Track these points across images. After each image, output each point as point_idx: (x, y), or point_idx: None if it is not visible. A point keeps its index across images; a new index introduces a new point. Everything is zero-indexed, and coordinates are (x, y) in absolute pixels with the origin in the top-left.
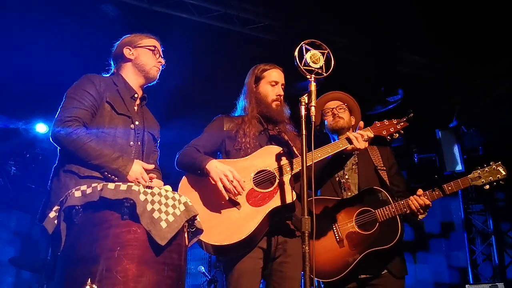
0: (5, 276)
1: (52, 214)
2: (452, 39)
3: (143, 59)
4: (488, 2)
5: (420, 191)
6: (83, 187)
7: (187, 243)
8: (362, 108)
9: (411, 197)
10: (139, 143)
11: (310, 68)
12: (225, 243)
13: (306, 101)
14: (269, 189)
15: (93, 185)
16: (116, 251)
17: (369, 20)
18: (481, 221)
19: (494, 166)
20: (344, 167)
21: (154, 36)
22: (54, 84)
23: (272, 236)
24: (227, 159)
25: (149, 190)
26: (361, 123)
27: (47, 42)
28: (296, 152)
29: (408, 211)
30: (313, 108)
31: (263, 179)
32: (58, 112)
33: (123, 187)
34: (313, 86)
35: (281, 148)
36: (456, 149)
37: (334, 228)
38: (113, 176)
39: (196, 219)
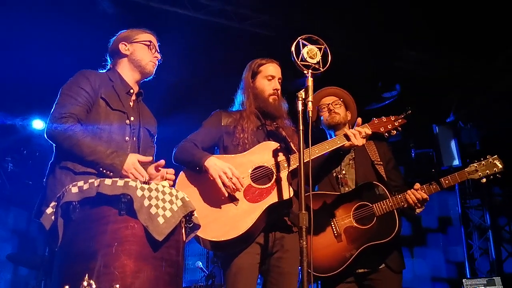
0: (2, 273)
1: (49, 210)
2: (450, 34)
3: (138, 55)
4: None
5: (417, 185)
6: (80, 183)
7: (184, 238)
8: (359, 104)
9: (409, 191)
10: (134, 138)
11: (307, 63)
12: (222, 239)
13: (303, 96)
14: (267, 185)
15: (90, 181)
16: (113, 247)
17: (367, 16)
18: (478, 216)
19: (490, 160)
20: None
21: (150, 31)
22: (51, 81)
23: (270, 231)
24: (224, 155)
25: (146, 186)
26: (359, 120)
27: (44, 38)
28: (294, 148)
29: (405, 205)
30: (310, 104)
31: (261, 175)
32: (53, 109)
33: (120, 182)
34: (310, 81)
35: (279, 144)
36: (453, 144)
37: (332, 223)
38: (108, 172)
39: (193, 215)
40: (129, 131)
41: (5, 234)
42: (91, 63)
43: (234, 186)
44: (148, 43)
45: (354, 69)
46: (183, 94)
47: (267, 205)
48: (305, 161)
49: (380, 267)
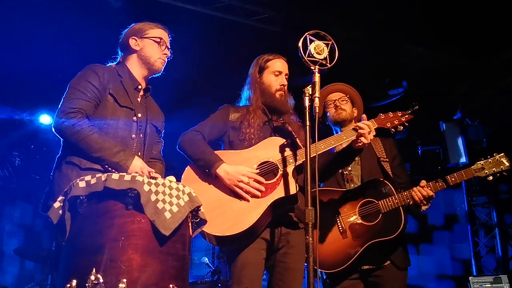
0: (9, 267)
1: (57, 204)
2: (457, 30)
3: (148, 51)
4: None
5: (423, 182)
6: (87, 177)
7: (191, 233)
8: (365, 100)
9: (415, 188)
10: (141, 135)
11: (314, 59)
12: (227, 234)
13: (310, 92)
14: (272, 180)
15: (97, 175)
16: (120, 241)
17: (373, 12)
18: (484, 213)
19: (497, 158)
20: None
21: (162, 25)
22: (58, 75)
23: (276, 227)
24: (230, 150)
25: (153, 181)
26: (364, 116)
27: (51, 32)
28: (300, 144)
29: (411, 202)
30: (317, 99)
31: (266, 170)
32: (61, 103)
33: (127, 177)
34: (317, 77)
35: (285, 140)
36: (460, 141)
37: (338, 219)
38: (113, 170)
39: (200, 210)
40: (136, 128)
41: (12, 228)
42: (98, 57)
43: (256, 192)
44: (159, 39)
45: (360, 66)
46: (189, 89)
47: (272, 200)
48: (311, 156)
49: (385, 264)
